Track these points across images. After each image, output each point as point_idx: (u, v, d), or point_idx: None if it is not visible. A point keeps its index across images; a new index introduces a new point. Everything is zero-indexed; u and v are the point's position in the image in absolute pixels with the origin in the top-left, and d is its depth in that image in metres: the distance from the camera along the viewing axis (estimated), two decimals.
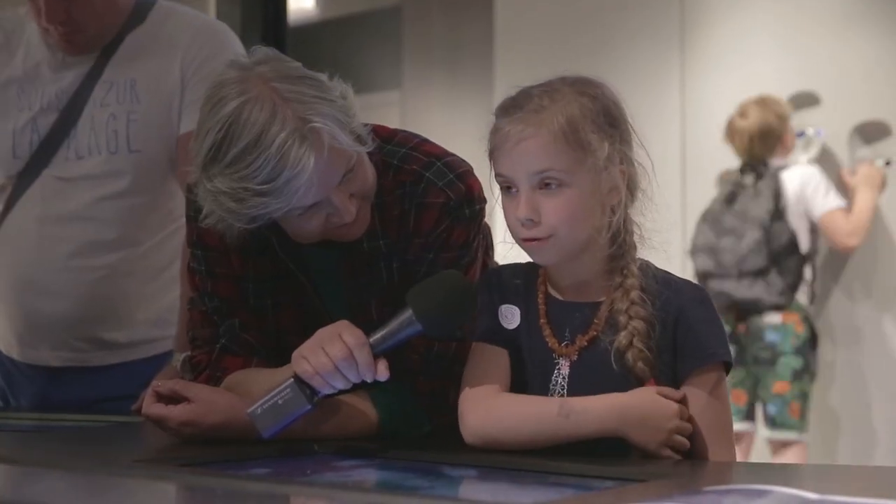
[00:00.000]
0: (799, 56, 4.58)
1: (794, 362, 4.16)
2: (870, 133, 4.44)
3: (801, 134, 4.55)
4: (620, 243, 1.61)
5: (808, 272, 4.24)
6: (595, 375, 1.59)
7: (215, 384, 1.79)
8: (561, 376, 1.62)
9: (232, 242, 1.76)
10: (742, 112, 4.35)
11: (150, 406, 1.70)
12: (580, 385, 1.60)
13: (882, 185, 4.31)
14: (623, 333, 1.57)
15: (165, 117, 2.27)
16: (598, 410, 1.53)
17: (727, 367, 1.62)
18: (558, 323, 1.63)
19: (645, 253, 1.64)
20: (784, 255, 4.18)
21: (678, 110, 4.86)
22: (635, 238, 1.63)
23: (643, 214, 1.63)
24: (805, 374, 4.18)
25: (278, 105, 1.59)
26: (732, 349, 4.15)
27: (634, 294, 1.58)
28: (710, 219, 4.35)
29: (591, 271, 1.62)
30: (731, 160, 4.57)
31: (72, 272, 2.27)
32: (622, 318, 1.58)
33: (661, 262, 1.65)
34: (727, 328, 4.17)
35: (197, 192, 1.67)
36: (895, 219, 4.36)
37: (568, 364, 1.62)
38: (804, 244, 4.23)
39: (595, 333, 1.60)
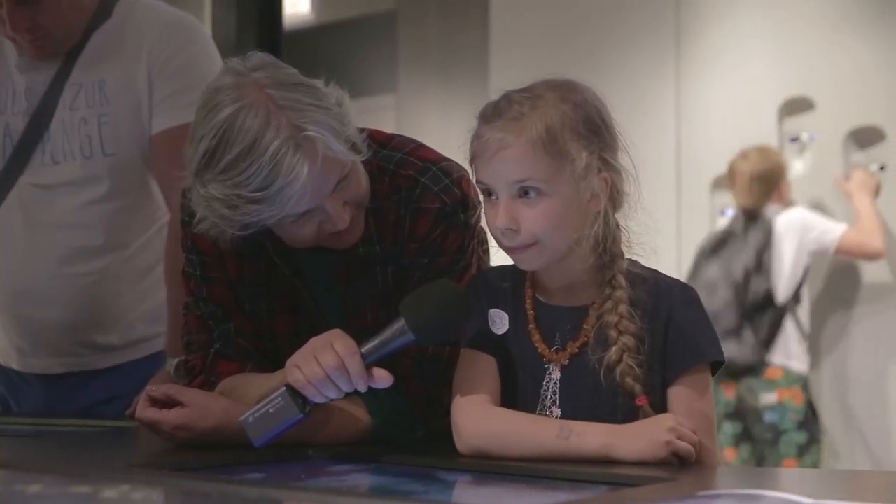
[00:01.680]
0: (794, 61, 4.59)
1: (799, 437, 4.09)
2: (864, 138, 4.45)
3: (796, 139, 4.56)
4: (604, 251, 1.60)
5: (787, 325, 4.16)
6: (586, 381, 1.59)
7: (210, 389, 1.79)
8: (552, 381, 1.61)
9: (225, 247, 1.76)
10: (744, 155, 4.31)
11: (143, 410, 1.70)
12: (572, 390, 1.60)
13: (876, 190, 4.31)
14: (613, 350, 1.57)
15: (136, 118, 2.25)
16: (596, 431, 1.53)
17: (714, 367, 1.62)
18: (548, 328, 1.63)
19: (636, 257, 1.64)
20: (758, 311, 4.12)
21: (673, 114, 4.87)
22: (622, 244, 1.62)
23: (629, 218, 1.63)
24: (812, 444, 4.11)
25: (273, 112, 1.59)
26: (737, 426, 4.15)
27: (623, 308, 1.58)
28: (693, 272, 4.29)
29: (577, 276, 1.62)
30: (726, 165, 4.58)
31: (62, 279, 2.26)
32: (612, 333, 1.57)
33: (654, 268, 1.65)
34: (727, 409, 4.14)
35: (191, 197, 1.67)
36: (893, 223, 4.36)
37: (559, 369, 1.62)
38: (784, 293, 4.14)
39: (586, 339, 1.60)
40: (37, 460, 1.62)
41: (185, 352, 1.89)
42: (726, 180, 4.40)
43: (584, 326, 1.61)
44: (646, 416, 1.56)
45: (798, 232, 4.17)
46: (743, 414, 4.15)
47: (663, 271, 1.66)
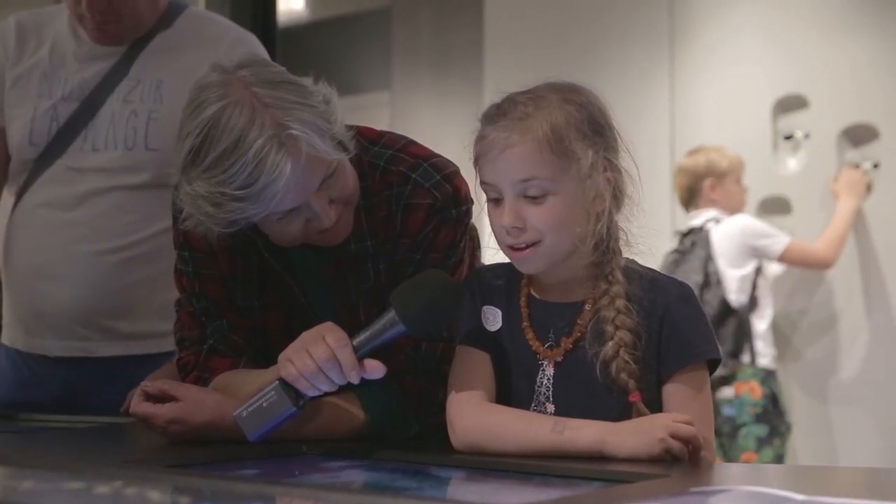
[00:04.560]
0: (788, 59, 4.60)
1: (758, 430, 4.05)
2: (858, 136, 4.45)
3: (790, 137, 4.56)
4: (605, 249, 1.61)
5: (749, 329, 4.12)
6: (581, 377, 1.59)
7: (203, 385, 1.79)
8: (546, 377, 1.62)
9: (217, 244, 1.76)
10: (690, 152, 4.37)
11: (137, 405, 1.71)
12: (566, 386, 1.60)
13: (867, 190, 4.30)
14: (609, 344, 1.57)
15: None
16: (591, 427, 1.53)
17: (712, 365, 1.62)
18: (541, 324, 1.64)
19: (632, 258, 1.65)
20: (719, 323, 4.06)
21: (667, 112, 4.87)
22: (621, 243, 1.63)
23: (629, 220, 1.63)
24: (774, 437, 4.06)
25: (257, 110, 1.60)
26: None
27: (620, 303, 1.58)
28: None
29: (574, 274, 1.63)
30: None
31: (75, 256, 2.24)
32: (608, 328, 1.58)
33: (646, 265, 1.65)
34: None
35: (178, 195, 1.68)
36: (885, 221, 4.37)
37: (552, 366, 1.62)
38: (738, 300, 4.11)
39: (580, 335, 1.60)
40: (29, 456, 1.62)
41: (178, 348, 1.89)
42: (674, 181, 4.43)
43: (578, 322, 1.61)
44: (639, 412, 1.56)
45: (739, 239, 4.15)
46: None
47: (657, 270, 1.67)
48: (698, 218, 4.29)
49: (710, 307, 4.06)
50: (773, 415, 4.09)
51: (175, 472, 1.43)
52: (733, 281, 4.13)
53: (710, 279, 4.13)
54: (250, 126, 1.59)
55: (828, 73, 4.49)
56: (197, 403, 1.69)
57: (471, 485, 1.53)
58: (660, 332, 1.59)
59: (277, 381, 1.61)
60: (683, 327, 1.59)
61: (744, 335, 4.11)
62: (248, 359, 1.83)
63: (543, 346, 1.62)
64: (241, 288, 1.83)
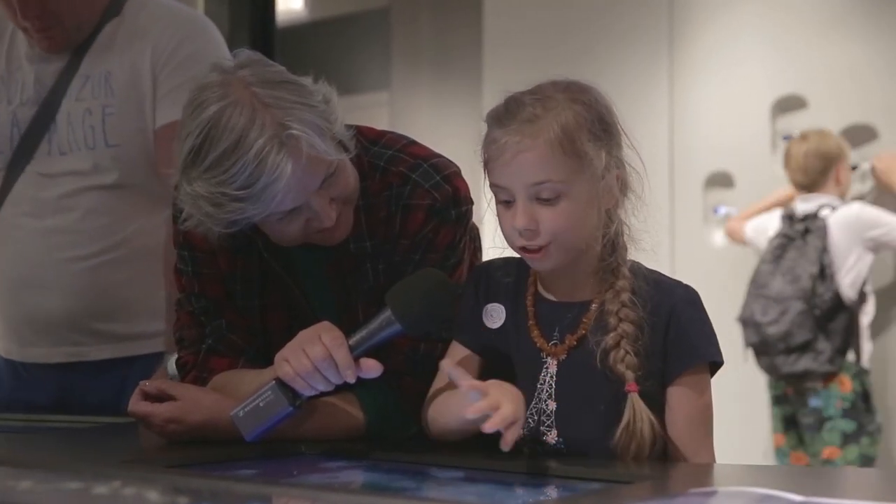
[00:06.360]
0: (787, 59, 4.60)
1: (845, 426, 3.92)
2: (857, 136, 4.45)
3: (788, 137, 4.57)
4: (613, 245, 1.62)
5: (857, 325, 3.98)
6: (582, 374, 1.60)
7: (202, 385, 1.79)
8: (549, 375, 1.62)
9: (217, 243, 1.76)
10: (802, 136, 4.18)
11: (135, 404, 1.71)
12: (568, 384, 1.61)
13: None
14: (611, 335, 1.57)
15: (140, 111, 2.24)
16: None
17: (714, 368, 1.63)
18: (547, 323, 1.64)
19: (634, 255, 1.65)
20: (829, 318, 3.94)
21: (666, 112, 4.88)
22: (625, 238, 1.63)
23: (634, 216, 1.63)
24: (862, 435, 3.93)
25: (258, 110, 1.59)
26: (786, 410, 4.02)
27: (625, 296, 1.59)
28: (758, 283, 4.08)
29: (583, 271, 1.63)
30: (719, 163, 4.58)
31: (60, 263, 2.24)
32: (612, 320, 1.58)
33: (649, 265, 1.66)
34: (776, 391, 4.07)
35: (178, 195, 1.68)
36: None
37: (556, 363, 1.62)
38: (850, 294, 3.98)
39: (584, 332, 1.61)
40: (28, 456, 1.62)
41: (177, 348, 1.89)
42: (783, 163, 4.23)
43: (584, 321, 1.62)
44: (633, 404, 1.56)
45: (854, 229, 4.01)
46: (786, 397, 4.04)
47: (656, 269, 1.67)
48: (810, 202, 4.11)
49: (821, 300, 3.95)
50: (861, 412, 3.96)
51: (173, 472, 1.43)
52: (848, 274, 3.99)
53: (826, 271, 3.98)
54: (251, 126, 1.58)
55: (827, 74, 4.49)
56: (194, 402, 1.69)
57: (469, 485, 1.53)
58: (665, 332, 1.59)
59: (274, 381, 1.62)
60: (689, 330, 1.60)
61: (853, 331, 3.98)
62: (247, 359, 1.83)
63: (548, 343, 1.63)
64: (240, 288, 1.83)
